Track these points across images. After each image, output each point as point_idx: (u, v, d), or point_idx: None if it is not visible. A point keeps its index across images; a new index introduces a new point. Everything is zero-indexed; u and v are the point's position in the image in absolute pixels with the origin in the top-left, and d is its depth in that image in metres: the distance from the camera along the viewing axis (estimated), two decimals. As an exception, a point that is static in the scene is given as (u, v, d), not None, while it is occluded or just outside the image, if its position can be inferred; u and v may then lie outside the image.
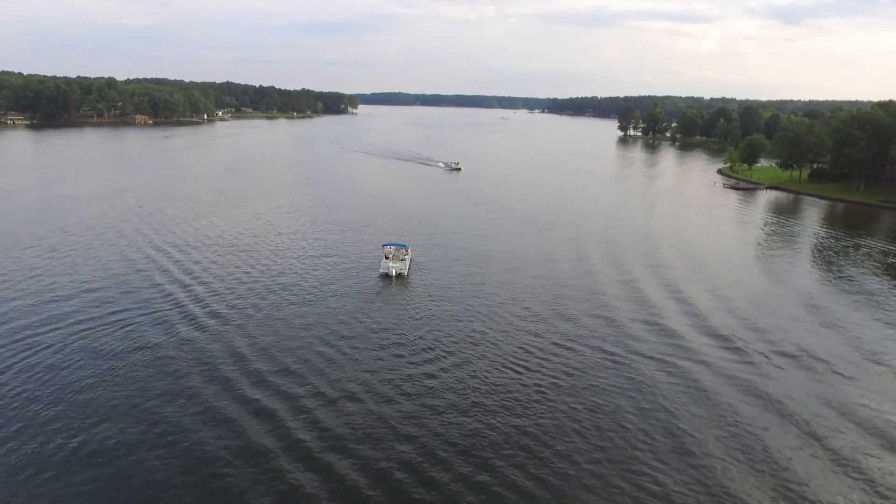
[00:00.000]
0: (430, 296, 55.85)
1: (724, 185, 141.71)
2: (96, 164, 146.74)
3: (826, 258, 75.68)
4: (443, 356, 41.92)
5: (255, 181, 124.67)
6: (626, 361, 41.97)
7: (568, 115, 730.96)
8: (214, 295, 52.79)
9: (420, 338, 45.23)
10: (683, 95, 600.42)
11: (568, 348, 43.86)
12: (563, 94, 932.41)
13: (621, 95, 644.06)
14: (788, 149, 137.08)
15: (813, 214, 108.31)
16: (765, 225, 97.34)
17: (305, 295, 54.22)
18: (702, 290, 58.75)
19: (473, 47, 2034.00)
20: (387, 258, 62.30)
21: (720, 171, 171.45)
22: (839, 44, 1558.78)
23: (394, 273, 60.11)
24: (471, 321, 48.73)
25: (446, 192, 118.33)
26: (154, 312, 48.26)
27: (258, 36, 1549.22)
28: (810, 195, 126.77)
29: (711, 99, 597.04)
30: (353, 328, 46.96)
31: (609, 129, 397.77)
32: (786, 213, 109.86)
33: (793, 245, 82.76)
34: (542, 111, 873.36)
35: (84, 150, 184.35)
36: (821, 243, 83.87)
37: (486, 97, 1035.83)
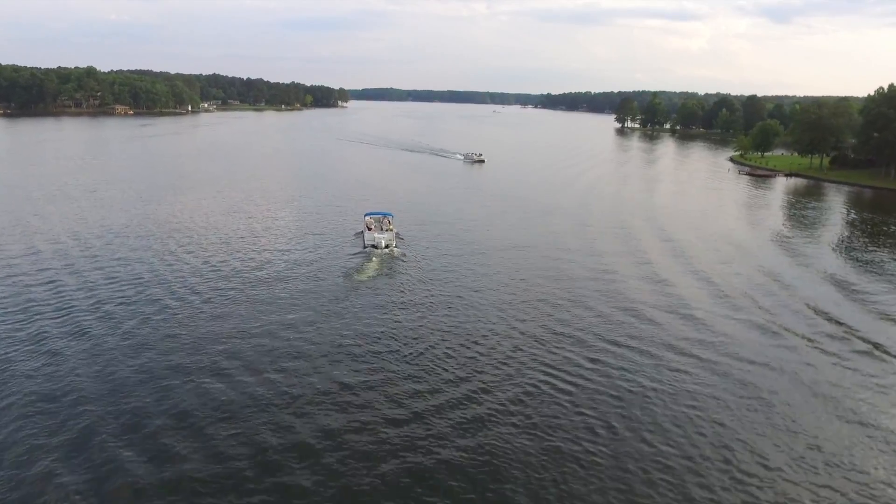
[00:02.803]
0: (422, 270, 46.82)
1: (740, 172, 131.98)
2: (59, 149, 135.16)
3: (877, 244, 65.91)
4: (438, 347, 31.73)
5: (226, 167, 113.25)
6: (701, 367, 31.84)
7: (562, 110, 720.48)
8: (165, 280, 42.27)
9: (416, 326, 35.24)
10: (678, 91, 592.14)
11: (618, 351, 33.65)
12: (555, 90, 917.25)
13: (615, 91, 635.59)
14: (809, 133, 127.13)
15: (845, 201, 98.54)
16: (796, 211, 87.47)
17: (275, 278, 44.19)
18: (741, 277, 48.79)
19: (465, 44, 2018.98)
20: (369, 229, 54.98)
21: (731, 159, 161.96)
22: (829, 42, 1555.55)
23: (382, 244, 52.15)
24: (476, 305, 38.61)
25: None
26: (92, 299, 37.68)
27: (247, 32, 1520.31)
28: (836, 182, 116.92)
29: (706, 94, 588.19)
30: (334, 316, 37.04)
31: (605, 122, 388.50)
32: (815, 199, 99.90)
33: (841, 231, 72.99)
34: (535, 106, 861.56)
35: (51, 136, 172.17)
36: (872, 230, 74.25)
37: (479, 93, 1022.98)
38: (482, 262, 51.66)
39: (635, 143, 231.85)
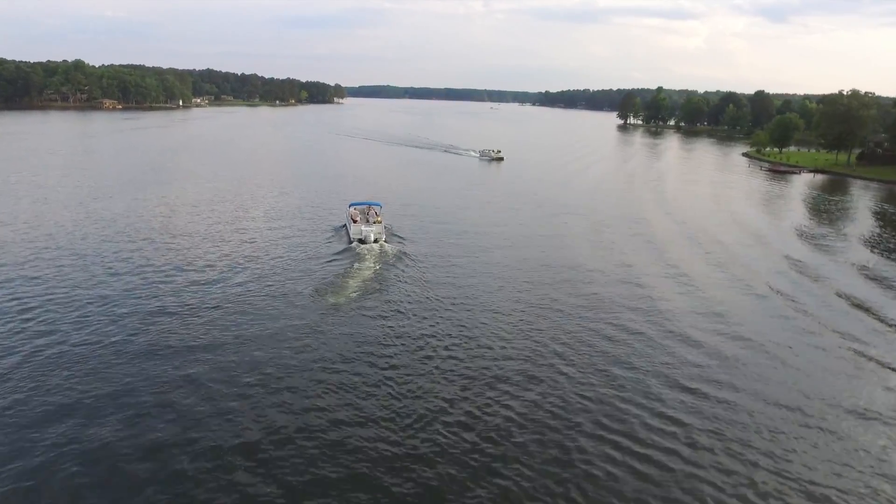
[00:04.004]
0: (422, 271, 39.93)
1: (761, 169, 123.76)
2: (27, 143, 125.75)
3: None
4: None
5: (204, 161, 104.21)
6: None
7: (560, 107, 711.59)
8: (93, 291, 33.67)
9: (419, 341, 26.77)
10: (677, 89, 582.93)
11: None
12: (552, 88, 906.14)
13: (614, 89, 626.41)
14: (838, 126, 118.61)
15: (885, 198, 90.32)
16: (840, 211, 79.19)
17: (239, 286, 35.80)
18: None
19: (462, 42, 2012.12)
20: (354, 221, 48.19)
21: (746, 155, 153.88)
22: (826, 42, 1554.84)
23: (371, 237, 45.51)
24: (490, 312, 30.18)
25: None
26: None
27: (244, 29, 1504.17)
28: (866, 178, 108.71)
29: (706, 92, 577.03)
30: (314, 332, 29.26)
31: (606, 119, 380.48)
32: (856, 198, 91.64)
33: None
34: (533, 104, 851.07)
35: (27, 129, 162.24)
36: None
37: (476, 91, 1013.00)
38: (504, 267, 43.28)
39: (644, 140, 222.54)
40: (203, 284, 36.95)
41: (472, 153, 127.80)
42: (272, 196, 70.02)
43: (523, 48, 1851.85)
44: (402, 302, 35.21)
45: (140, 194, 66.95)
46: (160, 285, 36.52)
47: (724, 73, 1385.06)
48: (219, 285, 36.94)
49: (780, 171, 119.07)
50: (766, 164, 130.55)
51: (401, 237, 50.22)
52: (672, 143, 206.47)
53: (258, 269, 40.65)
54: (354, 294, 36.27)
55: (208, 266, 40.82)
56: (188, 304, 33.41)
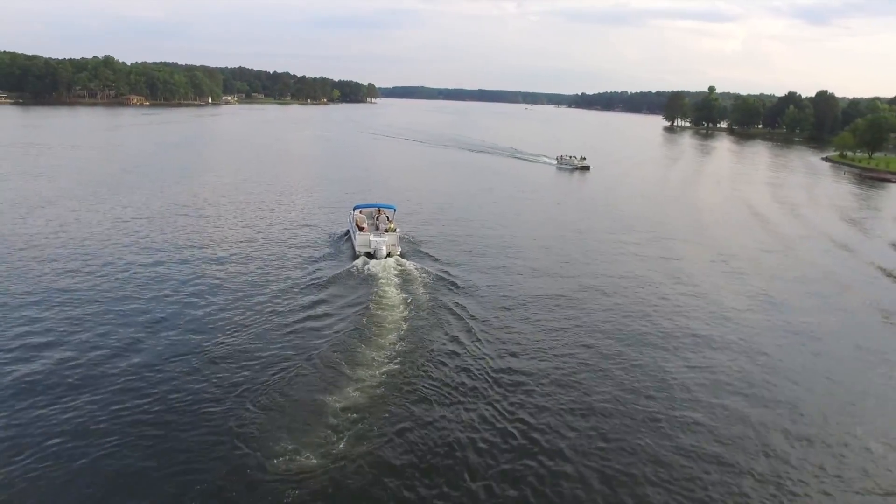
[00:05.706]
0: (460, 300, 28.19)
1: (863, 177, 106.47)
2: (23, 136, 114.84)
3: None
4: None
5: (202, 158, 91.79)
6: None
7: (597, 109, 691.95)
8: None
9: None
10: (718, 91, 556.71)
11: None
12: (588, 90, 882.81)
13: (653, 91, 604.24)
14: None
15: None
16: None
17: (197, 324, 22.71)
18: None
19: (494, 43, 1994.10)
20: (361, 228, 38.33)
21: (829, 160, 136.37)
22: (867, 45, 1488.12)
23: (382, 251, 35.41)
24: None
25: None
26: None
27: (276, 30, 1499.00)
28: None
29: (748, 95, 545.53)
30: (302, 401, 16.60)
31: (648, 121, 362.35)
32: None
33: None
34: (569, 106, 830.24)
35: (41, 122, 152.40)
36: None
37: (510, 92, 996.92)
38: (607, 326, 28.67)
39: (703, 143, 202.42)
40: (158, 313, 23.45)
41: (547, 159, 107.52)
42: (268, 201, 56.41)
43: (556, 50, 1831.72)
44: (425, 333, 22.97)
45: (95, 199, 52.84)
46: (86, 322, 22.88)
47: (760, 77, 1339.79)
48: (183, 313, 23.85)
49: (884, 180, 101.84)
50: (859, 171, 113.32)
51: (435, 256, 37.64)
52: (738, 148, 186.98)
53: (236, 290, 28.01)
54: (365, 324, 24.48)
55: (165, 289, 27.73)
56: (130, 342, 20.08)
